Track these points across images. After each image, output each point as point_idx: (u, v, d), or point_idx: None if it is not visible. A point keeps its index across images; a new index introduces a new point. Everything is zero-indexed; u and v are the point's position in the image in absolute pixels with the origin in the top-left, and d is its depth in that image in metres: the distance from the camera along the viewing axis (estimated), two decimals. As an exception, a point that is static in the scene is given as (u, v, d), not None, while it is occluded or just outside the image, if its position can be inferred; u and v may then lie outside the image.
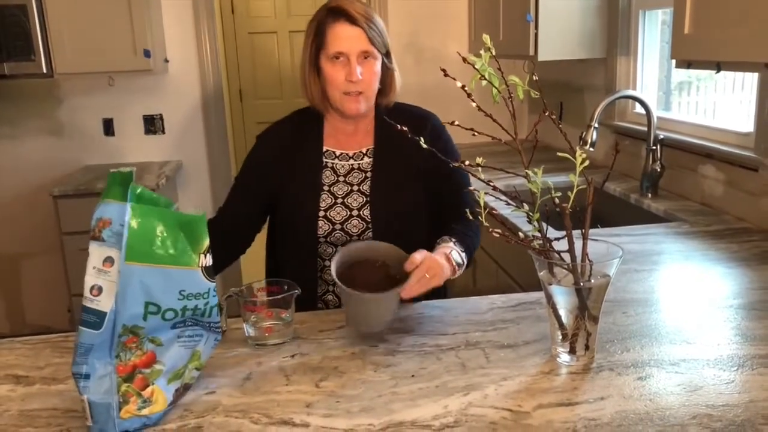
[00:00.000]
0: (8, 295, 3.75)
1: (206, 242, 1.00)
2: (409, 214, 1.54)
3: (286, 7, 5.52)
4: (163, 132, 3.63)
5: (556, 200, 1.06)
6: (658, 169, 2.29)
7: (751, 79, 2.16)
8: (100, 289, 0.93)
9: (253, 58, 5.60)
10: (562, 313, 1.13)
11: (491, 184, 1.14)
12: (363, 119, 1.57)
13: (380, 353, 1.21)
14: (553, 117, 1.12)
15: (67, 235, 3.08)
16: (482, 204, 1.09)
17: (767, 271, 1.56)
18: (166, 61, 3.51)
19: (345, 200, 1.53)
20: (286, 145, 1.57)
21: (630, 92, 2.52)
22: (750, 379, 1.07)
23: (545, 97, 1.08)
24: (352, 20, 1.44)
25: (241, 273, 3.87)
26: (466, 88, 1.09)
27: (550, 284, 1.12)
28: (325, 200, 1.53)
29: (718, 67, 1.49)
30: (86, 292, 0.93)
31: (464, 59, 1.10)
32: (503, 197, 1.11)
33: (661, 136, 2.30)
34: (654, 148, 2.29)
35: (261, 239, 1.67)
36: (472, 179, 1.32)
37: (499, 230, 1.11)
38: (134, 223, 0.92)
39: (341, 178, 1.55)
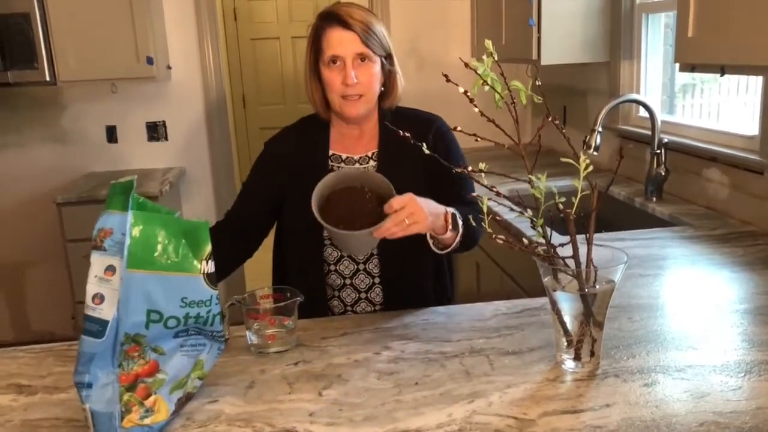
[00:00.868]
0: (12, 303, 3.75)
1: (208, 249, 1.00)
2: None
3: (288, 13, 5.53)
4: (166, 139, 3.64)
5: (560, 206, 1.05)
6: (663, 173, 2.28)
7: (755, 81, 2.15)
8: (102, 298, 0.92)
9: (255, 64, 5.60)
10: (567, 319, 1.12)
11: (494, 189, 1.13)
12: (367, 123, 1.57)
13: (384, 360, 1.20)
14: (557, 123, 1.11)
15: (71, 243, 3.08)
16: (485, 210, 1.08)
17: (773, 275, 1.55)
18: (169, 68, 3.51)
19: None
20: (293, 150, 1.59)
21: (634, 96, 2.51)
22: (757, 386, 1.06)
23: (548, 101, 1.07)
24: (345, 24, 1.45)
25: (245, 280, 3.87)
26: (468, 94, 1.09)
27: (555, 290, 1.11)
28: None
29: (723, 70, 1.49)
30: (88, 301, 0.93)
31: (466, 65, 1.09)
32: (507, 202, 1.11)
33: (666, 140, 2.29)
34: (658, 151, 2.29)
35: (267, 247, 1.67)
36: (475, 184, 1.32)
37: (502, 237, 1.10)
38: (136, 231, 0.92)
39: None
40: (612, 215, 2.40)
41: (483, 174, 1.12)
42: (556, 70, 2.91)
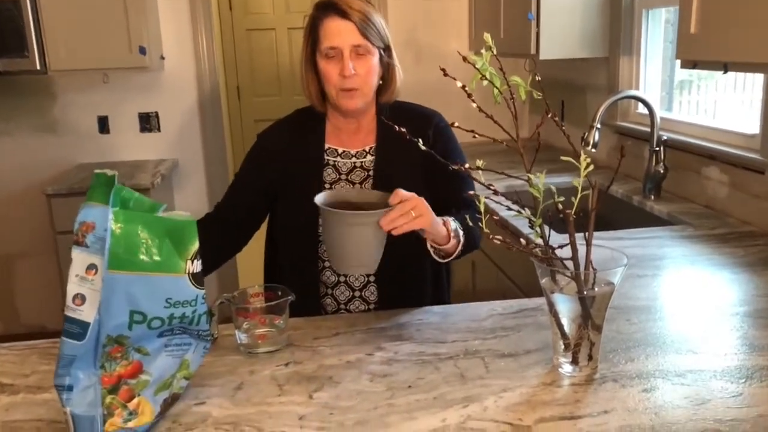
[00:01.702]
0: (2, 295, 3.70)
1: (194, 248, 0.96)
2: None
3: (284, 4, 5.47)
4: (159, 130, 3.59)
5: (560, 206, 1.02)
6: (662, 171, 2.26)
7: (753, 79, 2.13)
8: (83, 298, 0.89)
9: (251, 55, 5.55)
10: (565, 321, 1.09)
11: (492, 187, 1.10)
12: (365, 117, 1.54)
13: (377, 362, 1.17)
14: (556, 119, 1.08)
15: (61, 235, 3.04)
16: (482, 209, 1.05)
17: (774, 276, 1.52)
18: (162, 58, 3.46)
19: None
20: (287, 142, 1.55)
21: (633, 92, 2.48)
22: (759, 392, 1.03)
23: (547, 97, 1.04)
24: (343, 14, 1.41)
25: (238, 278, 3.83)
26: (466, 89, 1.05)
27: (553, 292, 1.08)
28: None
29: (725, 67, 1.45)
30: (68, 301, 0.89)
31: (465, 59, 1.06)
32: (505, 201, 1.08)
33: (665, 137, 2.26)
34: (657, 149, 2.26)
35: (260, 244, 1.64)
36: (474, 182, 1.29)
37: (499, 237, 1.07)
38: (117, 229, 0.88)
39: (343, 177, 1.52)
40: (609, 213, 2.37)
41: (480, 171, 1.09)
42: (555, 65, 2.88)
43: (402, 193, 1.22)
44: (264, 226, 1.64)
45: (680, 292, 1.51)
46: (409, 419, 0.99)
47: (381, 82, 1.51)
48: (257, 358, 1.20)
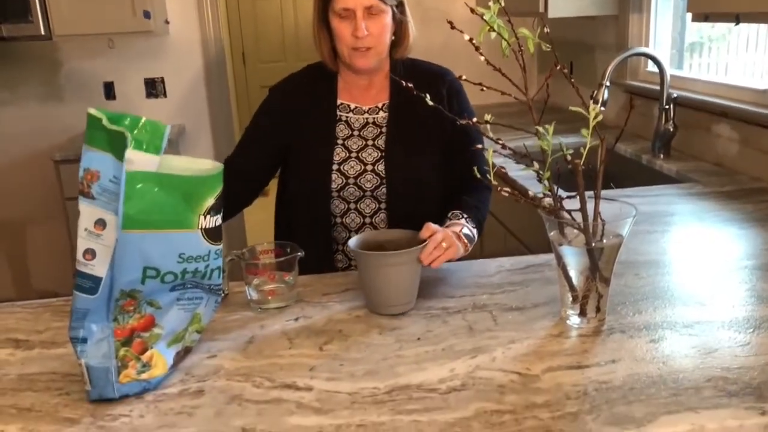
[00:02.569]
0: (13, 262, 3.74)
1: (207, 203, 0.96)
2: (424, 170, 1.52)
3: (289, -33, 5.40)
4: (165, 96, 3.58)
5: (569, 157, 1.02)
6: (671, 129, 2.24)
7: (765, 37, 2.09)
8: (93, 253, 0.90)
9: (255, 20, 5.50)
10: (573, 274, 1.10)
11: (500, 141, 1.10)
12: (377, 74, 1.54)
13: (385, 316, 1.18)
14: (565, 71, 1.07)
15: (70, 201, 3.06)
16: (491, 163, 1.05)
17: (783, 231, 1.52)
18: (167, 22, 3.43)
19: (359, 154, 1.51)
20: (299, 96, 1.55)
21: (643, 49, 2.45)
22: (766, 341, 1.04)
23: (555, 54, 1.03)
24: None
25: (246, 235, 3.85)
26: (474, 42, 1.04)
27: (561, 245, 1.09)
28: (339, 154, 1.50)
29: (737, 18, 1.43)
30: (79, 256, 0.90)
31: (472, 10, 1.05)
32: (513, 157, 1.07)
33: (675, 95, 2.24)
34: (667, 107, 2.23)
35: (268, 201, 1.64)
36: (485, 139, 1.28)
37: (508, 189, 1.07)
38: (130, 190, 0.88)
39: (355, 133, 1.53)
40: (618, 172, 2.36)
41: (488, 126, 1.08)
42: (564, 24, 2.84)
43: (432, 226, 1.25)
44: (274, 183, 1.64)
45: (689, 247, 1.51)
46: (418, 369, 1.00)
47: (393, 38, 1.50)
48: (267, 313, 1.22)
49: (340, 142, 1.51)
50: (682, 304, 1.18)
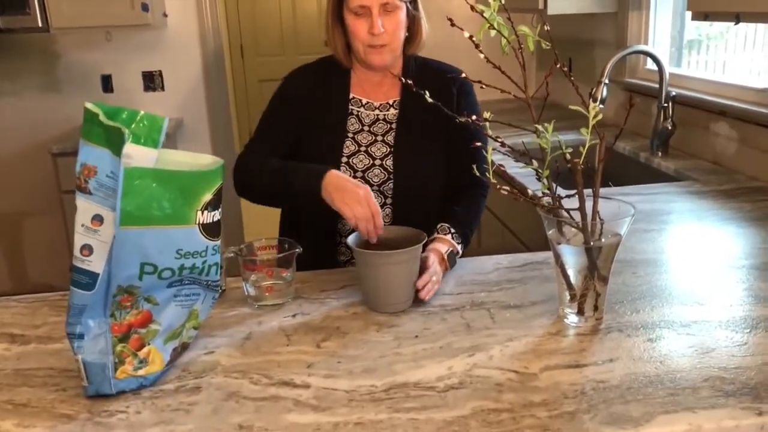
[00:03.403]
0: (10, 255, 3.73)
1: (205, 198, 0.96)
2: (431, 168, 1.52)
3: (288, -39, 5.38)
4: (163, 89, 3.56)
5: (568, 155, 1.02)
6: (669, 127, 2.24)
7: (763, 36, 2.09)
8: (90, 249, 0.89)
9: (254, 14, 5.47)
10: (571, 273, 1.10)
11: (499, 140, 1.09)
12: (391, 71, 1.53)
13: (383, 314, 1.18)
14: (565, 69, 1.06)
15: (67, 194, 3.04)
16: (490, 161, 1.05)
17: (781, 231, 1.52)
18: (165, 15, 3.42)
19: (369, 149, 1.51)
20: (313, 87, 1.55)
21: (642, 47, 2.44)
22: (763, 341, 1.04)
23: (554, 52, 1.03)
24: None
25: (243, 231, 3.85)
26: (474, 39, 1.04)
27: (559, 243, 1.09)
28: (349, 147, 1.51)
29: (737, 18, 1.43)
30: (76, 251, 0.90)
31: (472, 7, 1.05)
32: (512, 155, 1.07)
33: (673, 93, 2.24)
34: (665, 105, 2.23)
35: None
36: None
37: (507, 187, 1.07)
38: (128, 186, 0.87)
39: (366, 128, 1.53)
40: (616, 170, 2.36)
41: (488, 123, 1.08)
42: (562, 21, 2.83)
43: (432, 257, 1.27)
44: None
45: (686, 246, 1.51)
46: (416, 367, 1.00)
47: (407, 34, 1.50)
48: (265, 310, 1.22)
49: (350, 135, 1.52)
50: (680, 303, 1.18)
